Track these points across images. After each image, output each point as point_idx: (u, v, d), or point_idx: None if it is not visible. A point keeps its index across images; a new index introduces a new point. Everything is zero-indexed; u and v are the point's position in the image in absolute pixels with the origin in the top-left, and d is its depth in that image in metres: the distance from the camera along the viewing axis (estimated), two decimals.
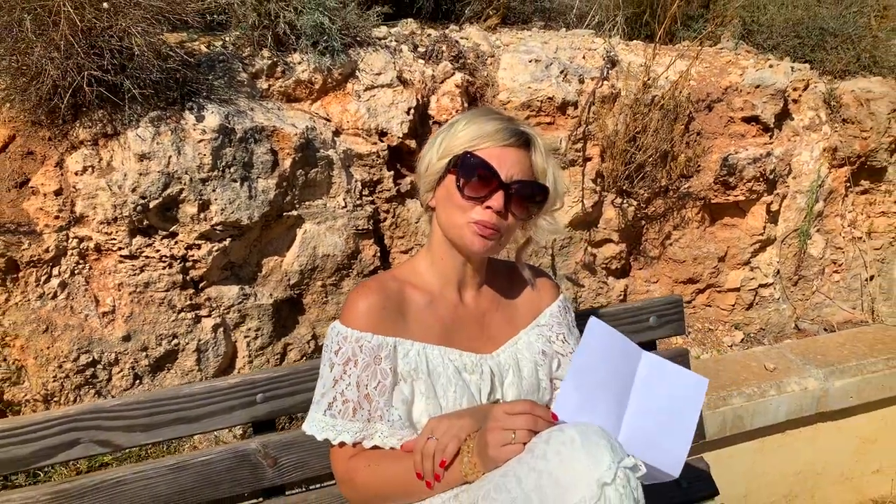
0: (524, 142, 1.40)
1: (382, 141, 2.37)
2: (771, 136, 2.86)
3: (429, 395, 1.38)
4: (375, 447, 1.37)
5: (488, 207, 1.36)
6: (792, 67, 2.98)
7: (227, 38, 2.32)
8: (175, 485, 1.57)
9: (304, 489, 1.71)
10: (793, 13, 3.23)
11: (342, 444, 1.37)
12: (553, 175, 1.44)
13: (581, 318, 1.88)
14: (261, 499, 1.66)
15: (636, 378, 1.34)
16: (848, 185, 3.04)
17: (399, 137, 2.37)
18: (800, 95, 2.97)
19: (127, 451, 1.98)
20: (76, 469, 1.98)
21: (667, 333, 1.98)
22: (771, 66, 2.93)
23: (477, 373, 1.44)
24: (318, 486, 1.70)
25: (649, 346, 1.99)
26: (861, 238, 3.12)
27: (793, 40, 3.18)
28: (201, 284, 2.14)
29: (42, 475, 1.90)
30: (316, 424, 1.38)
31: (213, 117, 2.05)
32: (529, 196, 1.40)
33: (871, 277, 3.13)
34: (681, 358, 1.99)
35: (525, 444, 1.18)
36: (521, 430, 1.20)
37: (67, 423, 1.50)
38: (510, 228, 1.42)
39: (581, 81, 2.62)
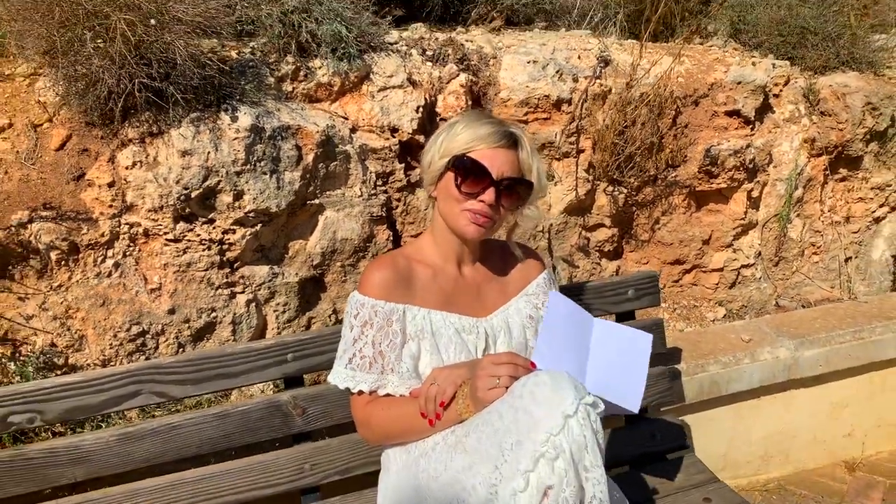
0: (513, 142, 1.67)
1: (394, 136, 2.65)
2: (752, 129, 3.11)
3: (433, 351, 1.67)
4: (388, 395, 1.66)
5: (482, 201, 1.64)
6: (773, 64, 3.22)
7: (255, 45, 2.60)
8: (220, 430, 1.87)
9: (326, 436, 2.00)
10: (776, 13, 3.46)
11: (360, 393, 1.67)
12: (537, 170, 1.71)
13: (571, 291, 2.17)
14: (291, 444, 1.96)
15: (591, 339, 1.63)
16: (826, 172, 3.27)
17: (409, 133, 2.65)
18: (780, 90, 3.21)
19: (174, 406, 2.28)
20: (129, 420, 2.28)
21: (644, 305, 2.25)
22: (753, 64, 3.17)
23: (473, 333, 1.72)
24: (339, 433, 1.99)
25: (628, 315, 2.27)
26: (839, 222, 3.36)
27: (776, 38, 3.41)
28: (236, 264, 2.44)
29: (104, 425, 2.20)
30: (339, 376, 1.68)
31: (245, 118, 2.33)
32: (516, 190, 1.67)
33: (849, 259, 3.37)
34: (656, 327, 2.27)
35: (507, 387, 1.47)
36: (504, 376, 1.48)
37: (131, 376, 1.80)
38: (501, 217, 1.71)
39: (575, 80, 2.88)
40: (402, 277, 1.70)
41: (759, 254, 3.22)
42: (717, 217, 3.16)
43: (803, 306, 3.23)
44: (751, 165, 3.08)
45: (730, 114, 3.07)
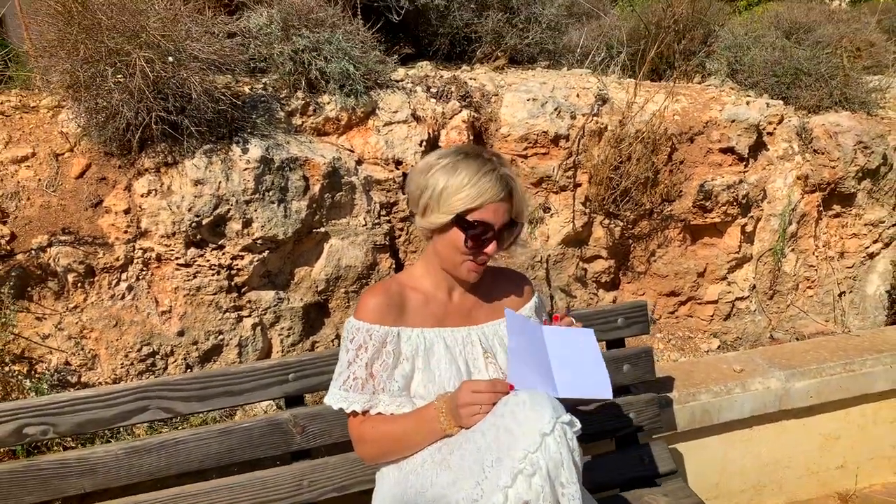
0: (509, 192, 1.72)
1: (398, 169, 2.76)
2: (745, 165, 3.21)
3: (425, 368, 1.76)
4: (380, 413, 1.75)
5: (485, 253, 1.72)
6: (767, 104, 3.33)
7: (267, 82, 2.74)
8: (223, 445, 1.96)
9: (325, 454, 2.08)
10: (771, 54, 3.58)
11: (354, 413, 1.76)
12: (525, 209, 1.79)
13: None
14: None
15: (547, 347, 1.71)
16: (820, 209, 3.36)
17: (412, 166, 2.76)
18: (774, 128, 3.31)
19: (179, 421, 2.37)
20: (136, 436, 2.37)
21: (633, 333, 2.33)
22: (747, 103, 3.28)
23: (468, 344, 1.81)
24: (337, 452, 2.07)
25: (618, 343, 2.35)
26: (834, 257, 3.43)
27: (771, 79, 3.53)
28: (243, 289, 2.54)
29: (112, 440, 2.29)
30: (333, 397, 1.77)
31: (255, 149, 2.46)
32: (512, 233, 1.79)
33: (843, 293, 3.44)
34: (645, 354, 2.35)
35: (489, 411, 1.56)
36: (485, 404, 1.57)
37: (140, 392, 1.89)
38: (497, 252, 1.78)
39: (573, 117, 3.00)
40: (395, 302, 1.79)
41: (754, 287, 3.30)
42: (711, 250, 3.25)
43: (798, 339, 3.30)
44: (744, 200, 3.17)
45: (724, 151, 3.17)
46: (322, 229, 2.64)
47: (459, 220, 1.69)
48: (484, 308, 1.88)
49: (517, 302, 1.94)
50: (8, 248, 2.29)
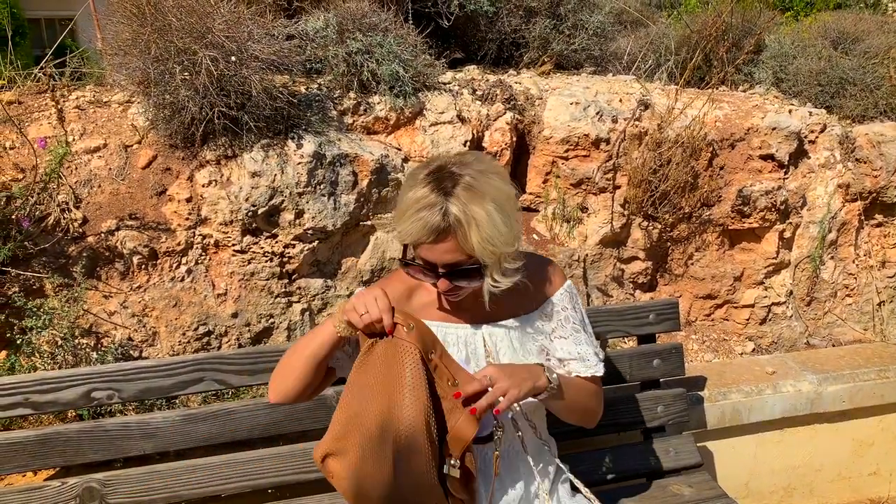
0: (446, 230, 1.54)
1: None
2: (785, 172, 3.25)
3: None
4: None
5: (439, 287, 1.65)
6: (810, 112, 3.37)
7: (322, 82, 2.90)
8: (271, 417, 2.10)
9: None
10: (816, 64, 3.61)
11: None
12: (482, 241, 1.54)
13: (594, 314, 2.33)
14: None
15: None
16: (861, 217, 3.38)
17: None
18: (816, 137, 3.35)
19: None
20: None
21: (664, 329, 2.41)
22: (790, 111, 3.33)
23: (471, 344, 1.76)
24: None
25: (649, 338, 2.43)
26: (874, 266, 3.44)
27: (815, 88, 3.56)
28: (294, 276, 2.70)
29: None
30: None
31: (309, 145, 2.61)
32: (466, 272, 1.61)
33: (882, 303, 3.45)
34: (675, 351, 2.42)
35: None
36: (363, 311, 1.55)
37: (197, 364, 2.05)
38: (470, 286, 1.66)
39: (614, 121, 3.09)
40: (410, 291, 1.78)
41: (791, 293, 3.33)
42: (749, 255, 3.30)
43: (834, 346, 3.32)
44: (783, 207, 3.21)
45: (764, 157, 3.22)
46: (368, 222, 2.78)
47: (404, 251, 1.65)
48: (506, 301, 1.76)
49: (544, 293, 1.83)
50: (80, 230, 2.48)
